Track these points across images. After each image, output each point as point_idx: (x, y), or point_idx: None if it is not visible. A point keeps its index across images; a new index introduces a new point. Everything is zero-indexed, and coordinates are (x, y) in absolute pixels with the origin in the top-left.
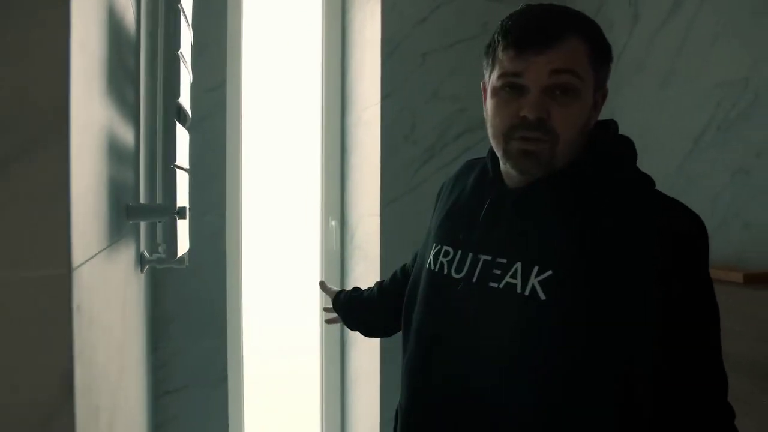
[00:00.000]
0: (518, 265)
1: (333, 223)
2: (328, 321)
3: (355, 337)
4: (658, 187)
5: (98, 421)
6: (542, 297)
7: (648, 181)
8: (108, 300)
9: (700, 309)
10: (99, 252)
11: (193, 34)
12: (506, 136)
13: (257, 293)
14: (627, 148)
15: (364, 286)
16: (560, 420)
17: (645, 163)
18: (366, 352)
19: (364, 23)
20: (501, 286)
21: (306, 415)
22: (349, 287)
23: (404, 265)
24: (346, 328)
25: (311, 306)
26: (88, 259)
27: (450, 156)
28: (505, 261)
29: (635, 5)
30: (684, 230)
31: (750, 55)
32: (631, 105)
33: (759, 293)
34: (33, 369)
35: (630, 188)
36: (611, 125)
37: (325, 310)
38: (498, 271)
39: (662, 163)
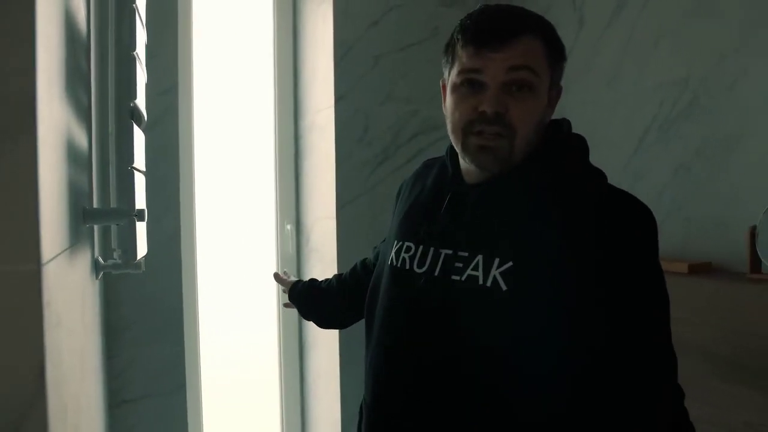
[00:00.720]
0: (480, 257)
1: (288, 226)
2: (287, 305)
3: (315, 339)
4: (609, 181)
5: (66, 423)
6: (504, 288)
7: (601, 175)
8: (70, 302)
9: (652, 295)
10: (62, 251)
11: (148, 34)
12: (465, 131)
13: (214, 298)
14: (580, 144)
15: None
16: (524, 405)
17: (594, 161)
18: (325, 353)
19: (315, 26)
20: (463, 278)
21: (266, 419)
22: None
23: (365, 259)
24: (305, 330)
25: (268, 310)
26: (54, 257)
27: (404, 157)
28: (466, 254)
29: (580, 10)
30: (636, 221)
31: (688, 56)
32: (580, 104)
33: (702, 282)
34: (7, 362)
35: (584, 182)
36: (564, 123)
37: (285, 295)
38: (460, 264)
39: (610, 161)
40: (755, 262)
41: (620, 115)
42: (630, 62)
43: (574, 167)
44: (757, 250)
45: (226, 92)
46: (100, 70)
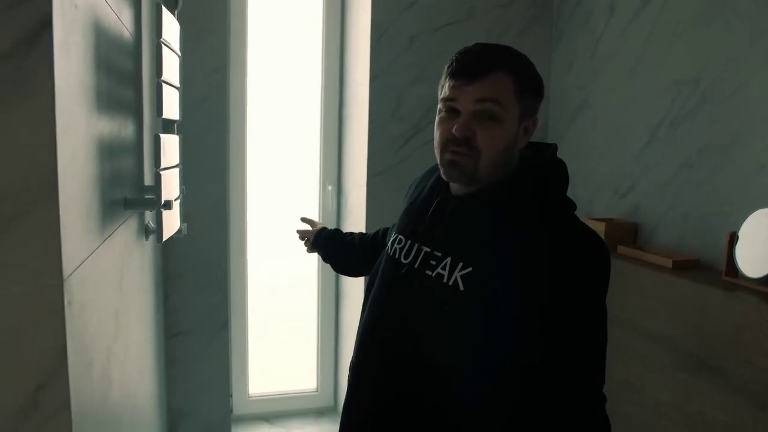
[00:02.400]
0: (449, 259)
1: (330, 188)
2: (310, 250)
3: (348, 291)
4: (620, 169)
5: (92, 371)
6: (461, 288)
7: (568, 205)
8: (102, 280)
9: (589, 321)
10: (90, 255)
11: (200, 17)
12: (442, 148)
13: (262, 251)
14: (557, 172)
15: None
16: (465, 388)
17: (609, 149)
18: (356, 303)
19: (359, 6)
20: (433, 274)
21: (304, 359)
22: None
23: (386, 228)
24: (340, 283)
25: (310, 262)
26: (77, 267)
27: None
28: (440, 254)
29: None
30: (586, 257)
31: (701, 57)
32: (604, 93)
33: (681, 279)
34: (42, 346)
35: (550, 209)
36: (549, 148)
37: (300, 234)
38: (433, 262)
39: (623, 151)
40: (731, 267)
41: (637, 107)
42: (650, 56)
43: (543, 195)
44: (734, 256)
45: (278, 66)
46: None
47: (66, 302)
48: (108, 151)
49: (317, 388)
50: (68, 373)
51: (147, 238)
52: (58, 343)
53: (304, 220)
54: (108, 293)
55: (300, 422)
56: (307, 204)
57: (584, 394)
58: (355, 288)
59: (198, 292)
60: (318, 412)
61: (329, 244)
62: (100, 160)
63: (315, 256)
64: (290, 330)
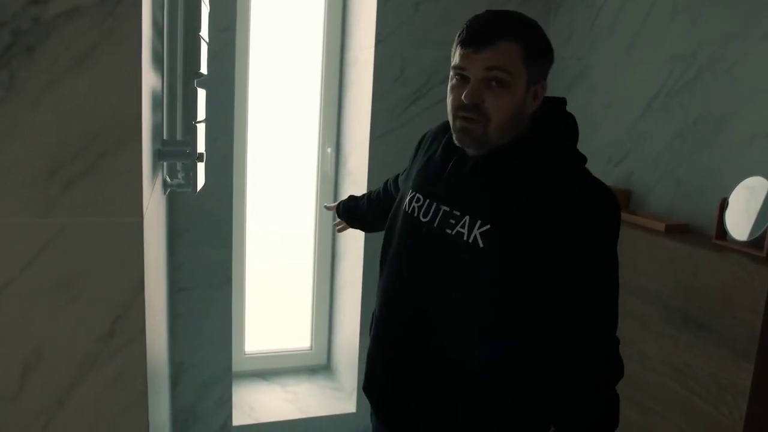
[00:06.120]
0: (467, 218)
1: (329, 149)
2: (337, 224)
3: (344, 251)
4: (615, 138)
5: (150, 306)
6: (481, 245)
7: (580, 159)
8: (153, 226)
9: (603, 268)
10: (151, 197)
11: None
12: (453, 114)
13: (261, 209)
14: (568, 127)
15: None
16: (486, 334)
17: (605, 119)
18: (352, 264)
19: None
20: (453, 233)
21: (299, 315)
22: None
23: (397, 176)
24: (336, 243)
25: (307, 222)
26: (147, 207)
27: (436, 98)
28: (459, 213)
29: None
30: (598, 208)
31: (699, 34)
32: (602, 64)
33: (673, 241)
34: (123, 279)
35: (563, 164)
36: (558, 103)
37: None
38: (452, 221)
39: (619, 120)
40: (720, 230)
41: (634, 79)
42: (649, 30)
43: (554, 151)
44: (724, 220)
45: (279, 27)
46: (169, 44)
47: (145, 238)
48: (154, 101)
49: (311, 346)
50: (145, 305)
51: (165, 192)
52: (137, 277)
53: (327, 207)
54: (154, 236)
55: (295, 379)
56: (306, 166)
57: (599, 338)
58: (350, 249)
59: (202, 248)
60: (311, 370)
61: (347, 217)
62: (151, 108)
63: (310, 219)
64: (286, 289)
